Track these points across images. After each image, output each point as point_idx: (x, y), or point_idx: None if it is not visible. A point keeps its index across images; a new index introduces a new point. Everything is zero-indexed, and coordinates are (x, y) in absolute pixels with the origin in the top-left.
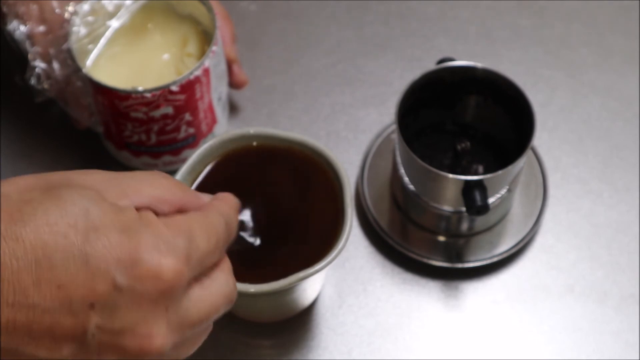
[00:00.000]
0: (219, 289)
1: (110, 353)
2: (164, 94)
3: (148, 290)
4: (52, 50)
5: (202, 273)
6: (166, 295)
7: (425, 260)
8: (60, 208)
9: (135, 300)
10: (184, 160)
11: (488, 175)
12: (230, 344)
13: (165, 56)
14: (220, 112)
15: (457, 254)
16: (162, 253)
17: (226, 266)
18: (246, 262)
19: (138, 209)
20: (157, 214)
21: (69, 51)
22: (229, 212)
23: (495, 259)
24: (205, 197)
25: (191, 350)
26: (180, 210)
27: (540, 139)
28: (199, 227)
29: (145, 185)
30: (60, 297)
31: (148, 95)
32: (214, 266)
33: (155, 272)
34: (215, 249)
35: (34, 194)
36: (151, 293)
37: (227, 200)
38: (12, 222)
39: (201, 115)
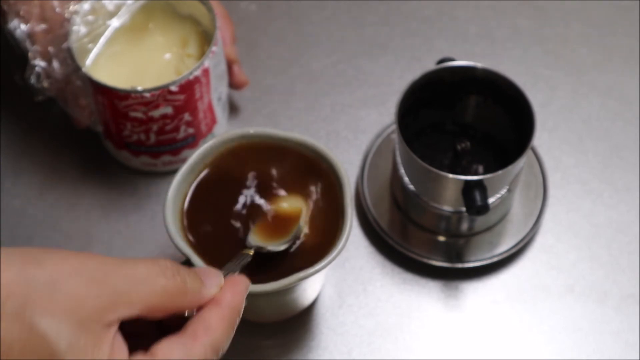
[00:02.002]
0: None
1: None
2: (163, 93)
3: None
4: (52, 49)
5: None
6: None
7: (425, 260)
8: (27, 345)
9: None
10: (183, 160)
11: (488, 175)
12: (230, 344)
13: (165, 56)
14: (220, 112)
15: (457, 254)
16: None
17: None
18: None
19: (126, 320)
20: (147, 319)
21: (68, 50)
22: (221, 336)
23: (495, 259)
24: (211, 289)
25: None
26: (175, 315)
27: (540, 139)
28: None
29: (140, 292)
30: None
31: (147, 95)
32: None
33: None
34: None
35: (7, 310)
36: None
37: (228, 308)
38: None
39: (201, 115)
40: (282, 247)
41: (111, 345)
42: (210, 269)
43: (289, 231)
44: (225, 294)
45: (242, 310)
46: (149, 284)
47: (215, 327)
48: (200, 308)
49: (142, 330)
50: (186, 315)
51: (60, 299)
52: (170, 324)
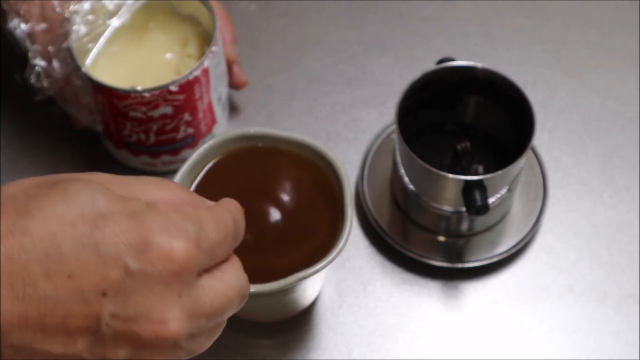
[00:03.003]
0: (231, 281)
1: (125, 343)
2: (163, 93)
3: (160, 273)
4: (52, 49)
5: (212, 265)
6: (178, 278)
7: (425, 260)
8: (66, 199)
9: (147, 285)
10: (183, 160)
11: (488, 175)
12: (230, 344)
13: (165, 56)
14: (220, 112)
15: (457, 254)
16: (173, 235)
17: (236, 262)
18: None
19: None
20: None
21: (68, 50)
22: (236, 211)
23: (495, 259)
24: (211, 203)
25: (206, 344)
26: None
27: (540, 139)
28: (207, 217)
29: (150, 187)
30: (72, 287)
31: (147, 94)
32: (224, 260)
33: (166, 254)
34: (225, 241)
35: (40, 190)
36: (163, 276)
37: (232, 202)
38: (19, 216)
39: (200, 115)
40: None
41: None
42: None
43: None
44: (225, 199)
45: (238, 223)
46: (159, 183)
47: (228, 204)
48: None
49: None
50: None
51: (85, 179)
52: None
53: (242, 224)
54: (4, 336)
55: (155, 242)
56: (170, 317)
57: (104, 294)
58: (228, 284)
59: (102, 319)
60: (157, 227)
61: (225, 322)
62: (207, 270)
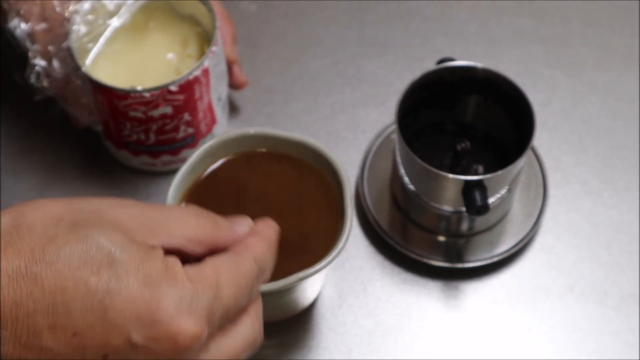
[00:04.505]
0: (242, 336)
1: None
2: (162, 93)
3: (164, 351)
4: (52, 49)
5: (227, 321)
6: (182, 356)
7: (425, 260)
8: (84, 252)
9: (148, 358)
10: (183, 160)
11: (488, 175)
12: None
13: (165, 56)
14: (220, 112)
15: (457, 254)
16: (183, 313)
17: (254, 310)
18: None
19: (167, 250)
20: (188, 255)
21: (68, 50)
22: (263, 254)
23: (495, 259)
24: (242, 227)
25: None
26: (213, 250)
27: (540, 139)
28: (228, 279)
29: (178, 225)
30: (75, 345)
31: (147, 94)
32: (241, 310)
33: (172, 335)
34: (242, 299)
35: (60, 230)
36: (167, 353)
37: (264, 235)
38: (33, 260)
39: (200, 115)
40: None
41: (162, 253)
42: (238, 215)
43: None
44: (259, 225)
45: (277, 241)
46: (184, 220)
47: (255, 245)
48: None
49: None
50: None
51: (108, 220)
52: None
53: (270, 264)
54: None
55: (164, 321)
56: None
57: (105, 357)
58: (240, 339)
59: None
60: (168, 303)
61: None
62: (221, 327)
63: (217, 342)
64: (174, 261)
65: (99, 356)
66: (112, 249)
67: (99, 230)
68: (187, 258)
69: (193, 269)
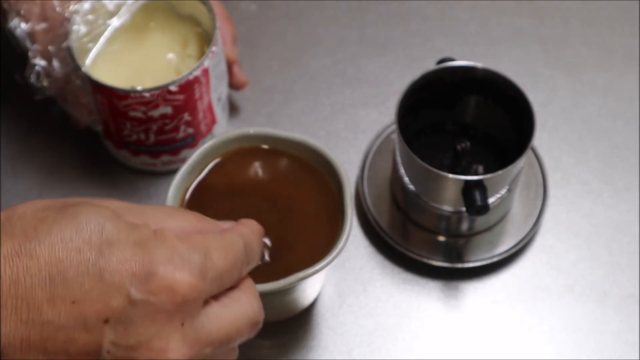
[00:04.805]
0: (240, 309)
1: None
2: (162, 93)
3: (163, 304)
4: (52, 49)
5: (221, 292)
6: (181, 308)
7: (425, 260)
8: (75, 225)
9: (149, 315)
10: (182, 160)
11: (488, 175)
12: None
13: (165, 56)
14: (220, 112)
15: (457, 254)
16: (177, 266)
17: (248, 288)
18: None
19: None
20: None
21: (68, 49)
22: (249, 235)
23: (495, 259)
24: (227, 225)
25: None
26: None
27: (540, 139)
28: (216, 244)
29: (164, 216)
30: (75, 313)
31: (147, 94)
32: (234, 287)
33: (169, 285)
34: (233, 268)
35: (49, 212)
36: (166, 306)
37: (248, 225)
38: (27, 239)
39: (200, 115)
40: None
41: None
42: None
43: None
44: (241, 220)
45: (261, 234)
46: (170, 212)
47: (239, 228)
48: None
49: None
50: None
51: (95, 204)
52: None
53: (256, 247)
54: (7, 356)
55: (159, 273)
56: (171, 346)
57: (106, 322)
58: (236, 311)
59: (103, 346)
60: (161, 258)
61: (237, 349)
62: (216, 297)
63: (215, 310)
64: (162, 228)
65: (100, 322)
66: (102, 220)
67: (87, 206)
68: None
69: (182, 235)
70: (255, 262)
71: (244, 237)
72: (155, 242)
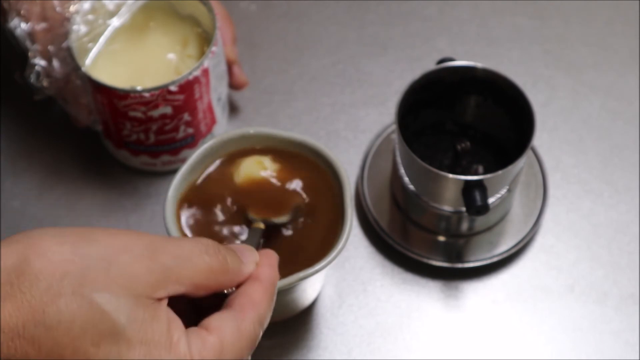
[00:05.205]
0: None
1: None
2: (162, 93)
3: None
4: (52, 48)
5: None
6: None
7: (425, 260)
8: (87, 322)
9: None
10: (182, 160)
11: (488, 175)
12: None
13: (165, 56)
14: (220, 112)
15: (457, 254)
16: None
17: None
18: None
19: (172, 296)
20: (192, 297)
21: (68, 49)
22: (265, 310)
23: (495, 259)
24: (249, 267)
25: None
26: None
27: (540, 139)
28: (231, 350)
29: (186, 271)
30: None
31: (147, 94)
32: None
33: None
34: (249, 355)
35: (64, 288)
36: None
37: (266, 283)
38: (33, 322)
39: (200, 115)
40: (285, 219)
41: (167, 319)
42: (245, 246)
43: (287, 207)
44: (263, 269)
45: (277, 279)
46: (194, 262)
47: (259, 301)
48: (239, 285)
49: (179, 309)
50: (225, 292)
51: (115, 274)
52: (204, 303)
53: (271, 307)
54: None
55: None
56: None
57: None
58: None
59: None
60: None
61: None
62: None
63: None
64: (179, 334)
65: None
66: (117, 317)
67: (105, 294)
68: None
69: (197, 341)
70: (265, 325)
71: (261, 319)
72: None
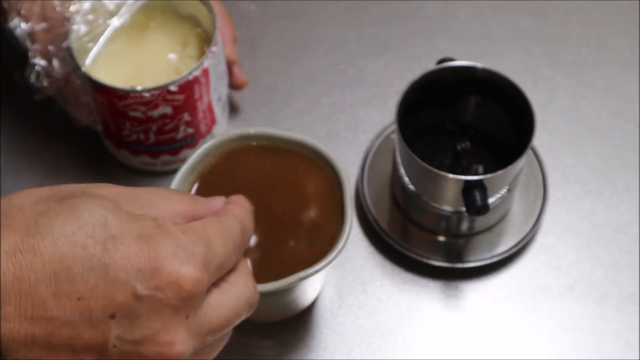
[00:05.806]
0: (238, 293)
1: None
2: (162, 93)
3: (169, 299)
4: (52, 48)
5: (220, 278)
6: (186, 302)
7: (425, 260)
8: (77, 219)
9: (155, 309)
10: (182, 160)
11: (488, 175)
12: (230, 344)
13: (165, 56)
14: (220, 112)
15: (457, 254)
16: (182, 261)
17: (244, 269)
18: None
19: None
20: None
21: (69, 49)
22: (243, 216)
23: (495, 259)
24: (218, 202)
25: (212, 355)
26: (195, 220)
27: (540, 139)
28: (216, 232)
29: (158, 200)
30: (80, 309)
31: (147, 94)
32: (232, 270)
33: (175, 280)
34: (232, 254)
35: (49, 204)
36: (172, 301)
37: (240, 204)
38: (29, 234)
39: (200, 115)
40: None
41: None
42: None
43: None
44: (231, 197)
45: (252, 211)
46: (164, 196)
47: (232, 209)
48: None
49: None
50: None
51: (93, 194)
52: None
53: (250, 227)
54: (11, 352)
55: (165, 268)
56: (177, 339)
57: (112, 317)
58: (236, 296)
59: (109, 341)
60: (166, 252)
61: (232, 331)
62: (215, 283)
63: (216, 298)
64: (163, 219)
65: (106, 317)
66: (103, 212)
67: (87, 198)
68: None
69: (183, 225)
70: (249, 241)
71: (240, 219)
72: (159, 236)
